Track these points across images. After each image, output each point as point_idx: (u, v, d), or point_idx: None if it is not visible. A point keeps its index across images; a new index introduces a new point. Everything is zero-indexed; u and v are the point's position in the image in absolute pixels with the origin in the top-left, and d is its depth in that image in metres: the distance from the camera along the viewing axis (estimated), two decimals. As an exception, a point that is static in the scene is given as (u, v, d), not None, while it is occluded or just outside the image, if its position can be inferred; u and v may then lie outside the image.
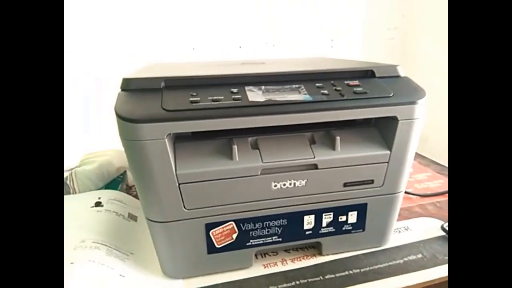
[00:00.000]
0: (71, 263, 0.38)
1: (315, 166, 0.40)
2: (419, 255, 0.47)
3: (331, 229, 0.44)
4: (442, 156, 0.81)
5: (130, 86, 0.37)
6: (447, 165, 0.76)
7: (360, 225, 0.45)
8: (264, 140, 0.41)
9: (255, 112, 0.36)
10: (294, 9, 1.06)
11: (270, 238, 0.43)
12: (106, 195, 0.53)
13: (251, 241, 0.42)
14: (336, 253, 0.47)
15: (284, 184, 0.40)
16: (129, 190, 0.63)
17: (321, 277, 0.43)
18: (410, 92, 0.41)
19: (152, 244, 0.41)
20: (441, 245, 0.48)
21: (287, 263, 0.45)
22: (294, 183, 0.40)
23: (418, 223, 0.54)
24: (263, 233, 0.42)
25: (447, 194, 0.63)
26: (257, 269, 0.44)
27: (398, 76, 0.44)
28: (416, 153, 0.47)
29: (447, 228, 0.51)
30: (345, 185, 0.42)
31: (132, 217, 0.51)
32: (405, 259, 0.46)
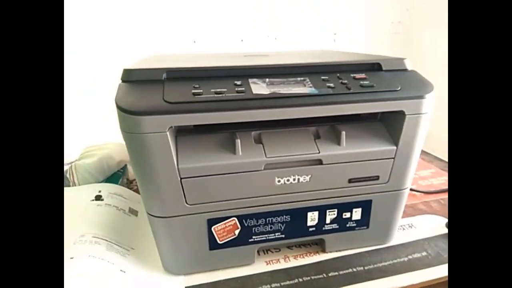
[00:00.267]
0: (71, 258, 0.37)
1: (319, 162, 0.39)
2: (424, 253, 0.46)
3: (335, 226, 0.44)
4: (446, 152, 0.80)
5: (131, 77, 0.36)
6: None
7: (364, 222, 0.44)
8: (267, 134, 0.40)
9: (259, 105, 0.35)
10: (297, 2, 1.04)
11: (273, 234, 0.42)
12: (107, 188, 0.52)
13: (253, 237, 0.42)
14: (340, 250, 0.46)
15: (288, 180, 0.39)
16: (129, 184, 0.62)
17: (324, 275, 0.42)
18: (417, 86, 0.40)
19: (153, 239, 0.41)
20: (445, 243, 0.48)
21: (289, 260, 0.44)
22: (298, 179, 0.39)
23: (422, 220, 0.53)
24: (266, 229, 0.42)
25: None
26: (260, 266, 0.43)
27: (405, 70, 0.43)
28: (420, 149, 0.46)
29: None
30: (350, 181, 0.41)
31: (133, 212, 0.50)
32: (410, 257, 0.45)
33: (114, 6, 0.88)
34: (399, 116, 0.39)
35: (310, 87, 0.38)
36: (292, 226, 0.42)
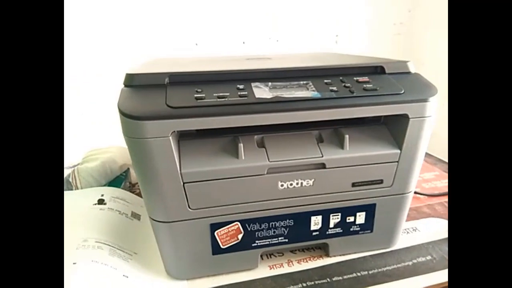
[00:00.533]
0: (74, 263, 0.37)
1: (323, 165, 0.39)
2: (428, 257, 0.45)
3: (338, 230, 0.43)
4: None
5: (133, 82, 0.36)
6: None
7: (368, 226, 0.44)
8: (270, 138, 0.40)
9: (262, 110, 0.35)
10: (299, 4, 1.04)
11: (276, 239, 0.42)
12: (109, 192, 0.52)
13: (256, 242, 0.41)
14: (344, 255, 0.45)
15: (291, 184, 0.39)
16: (132, 187, 0.62)
17: (328, 279, 0.42)
18: (421, 89, 0.39)
19: (155, 244, 0.41)
20: (451, 246, 0.47)
21: (293, 264, 0.44)
22: (301, 183, 0.39)
23: (426, 223, 0.53)
24: (269, 233, 0.41)
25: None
26: (263, 271, 0.43)
27: (408, 73, 0.42)
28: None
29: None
30: (353, 185, 0.41)
31: (135, 216, 0.50)
32: (414, 261, 0.45)
33: (118, 9, 0.88)
34: (402, 119, 0.39)
35: (313, 90, 0.38)
36: (295, 231, 0.42)
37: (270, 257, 0.45)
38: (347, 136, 0.39)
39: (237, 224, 0.40)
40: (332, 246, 0.44)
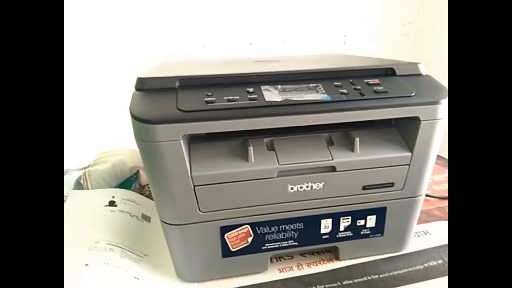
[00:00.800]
0: (86, 264, 0.37)
1: (333, 168, 0.39)
2: (440, 261, 0.45)
3: (348, 233, 0.43)
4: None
5: (145, 86, 0.37)
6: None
7: (379, 229, 0.44)
8: (280, 141, 0.40)
9: (272, 113, 0.35)
10: (306, 5, 1.04)
11: (286, 242, 0.42)
12: (120, 194, 0.52)
13: (266, 245, 0.41)
14: (354, 258, 0.45)
15: (301, 187, 0.39)
16: (142, 189, 0.63)
17: (338, 283, 0.41)
18: (432, 91, 0.39)
19: (165, 246, 0.41)
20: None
21: (303, 268, 0.44)
22: (311, 186, 0.39)
23: (437, 227, 0.52)
24: (279, 237, 0.41)
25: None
26: (273, 274, 0.43)
27: (419, 75, 0.42)
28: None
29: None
30: (364, 188, 0.40)
31: (146, 218, 0.50)
32: (425, 265, 0.44)
33: (127, 12, 0.89)
34: (413, 122, 0.39)
35: (323, 93, 0.38)
36: (305, 234, 0.42)
37: (280, 260, 0.45)
38: (357, 139, 0.39)
39: (247, 227, 0.40)
40: (342, 250, 0.44)
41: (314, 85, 0.39)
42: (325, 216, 0.41)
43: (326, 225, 0.42)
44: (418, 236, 0.50)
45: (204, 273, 0.42)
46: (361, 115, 0.37)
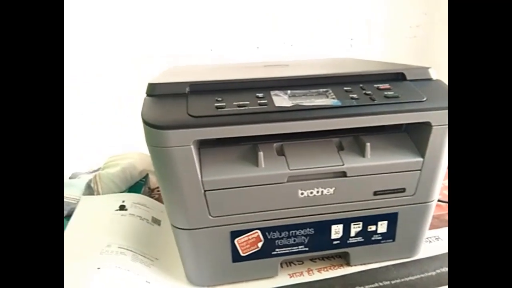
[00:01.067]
0: (98, 268, 0.38)
1: (343, 174, 0.38)
2: (453, 267, 0.44)
3: (359, 239, 0.43)
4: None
5: (155, 91, 0.37)
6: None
7: (390, 235, 0.43)
8: (290, 146, 0.40)
9: (282, 118, 0.35)
10: (313, 8, 1.04)
11: (296, 247, 0.42)
12: (130, 198, 0.53)
13: (276, 250, 0.41)
14: (365, 264, 0.45)
15: (311, 192, 0.39)
16: (151, 192, 0.63)
17: (349, 289, 0.41)
18: (444, 96, 0.39)
19: (176, 250, 0.41)
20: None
21: (313, 273, 0.44)
22: (322, 191, 0.39)
23: (449, 232, 0.51)
24: (289, 242, 0.41)
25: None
26: (283, 279, 0.43)
27: (430, 79, 0.42)
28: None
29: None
30: (375, 193, 0.40)
31: (156, 221, 0.51)
32: (438, 271, 0.44)
33: (135, 17, 0.90)
34: (425, 127, 0.38)
35: (333, 98, 0.37)
36: (315, 239, 0.41)
37: (290, 265, 0.45)
38: (368, 144, 0.38)
39: (257, 232, 0.40)
40: (353, 255, 0.44)
41: (324, 90, 0.39)
42: (336, 222, 0.41)
43: (336, 231, 0.42)
44: (430, 241, 0.49)
45: (214, 277, 0.42)
46: (372, 120, 0.36)
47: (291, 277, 0.43)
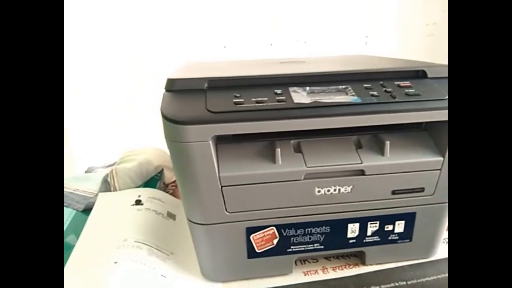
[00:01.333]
0: (115, 262, 0.38)
1: (361, 172, 0.38)
2: (471, 269, 0.43)
3: (376, 238, 0.42)
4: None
5: (174, 87, 0.37)
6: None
7: (407, 235, 0.43)
8: (307, 143, 0.39)
9: (301, 115, 0.35)
10: (326, 4, 1.03)
11: (312, 245, 0.41)
12: (146, 193, 0.54)
13: (292, 247, 0.41)
14: (380, 263, 0.44)
15: (328, 190, 0.38)
16: (165, 188, 0.64)
17: (365, 288, 0.41)
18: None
19: (191, 244, 0.41)
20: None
21: (328, 272, 0.44)
22: (339, 189, 0.38)
23: (467, 234, 0.50)
24: (304, 239, 0.41)
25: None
26: (297, 276, 0.43)
27: (452, 77, 0.40)
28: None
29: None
30: (393, 192, 0.39)
31: (171, 216, 0.51)
32: (455, 272, 0.43)
33: (140, 16, 0.90)
34: (445, 125, 0.37)
35: (353, 95, 0.37)
36: (331, 238, 0.41)
37: (305, 263, 0.45)
38: (387, 143, 0.38)
39: (272, 228, 0.40)
40: (369, 255, 0.43)
41: (343, 87, 0.38)
42: (353, 220, 0.41)
43: (353, 230, 0.41)
44: (447, 242, 0.48)
45: (229, 273, 0.42)
46: (392, 118, 0.36)
47: (305, 275, 0.43)
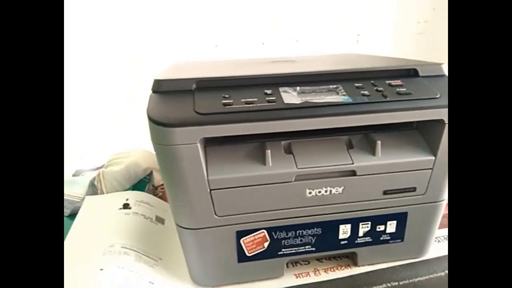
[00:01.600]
0: (101, 269, 0.37)
1: (353, 173, 0.37)
2: (463, 268, 0.43)
3: (368, 239, 0.42)
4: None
5: (161, 88, 0.36)
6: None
7: (399, 235, 0.42)
8: (298, 144, 0.39)
9: (292, 115, 0.34)
10: (318, 3, 1.02)
11: (303, 247, 0.41)
12: (134, 196, 0.52)
13: (283, 250, 0.40)
14: (372, 264, 0.44)
15: (320, 191, 0.38)
16: (155, 190, 0.63)
17: (357, 290, 0.40)
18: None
19: (180, 249, 0.40)
20: (487, 257, 0.45)
21: (320, 274, 0.43)
22: (330, 191, 0.38)
23: (458, 232, 0.51)
24: (295, 242, 0.40)
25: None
26: (289, 279, 0.42)
27: (443, 75, 0.40)
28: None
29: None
30: (385, 193, 0.39)
31: (160, 220, 0.50)
32: (447, 271, 0.43)
33: (136, 16, 0.88)
34: (437, 124, 0.37)
35: (344, 95, 0.36)
36: (323, 239, 0.41)
37: (296, 266, 0.44)
38: (379, 142, 0.37)
39: (263, 232, 0.39)
40: (360, 255, 0.43)
41: (334, 86, 0.38)
42: (344, 222, 0.40)
43: (344, 231, 0.41)
44: (439, 241, 0.48)
45: (219, 278, 0.41)
46: (384, 117, 0.35)
47: (297, 277, 0.43)
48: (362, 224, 0.41)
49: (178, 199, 0.37)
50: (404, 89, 0.37)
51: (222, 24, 0.98)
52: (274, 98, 0.35)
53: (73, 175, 0.69)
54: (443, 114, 0.36)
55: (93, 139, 0.90)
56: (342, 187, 0.38)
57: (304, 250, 0.41)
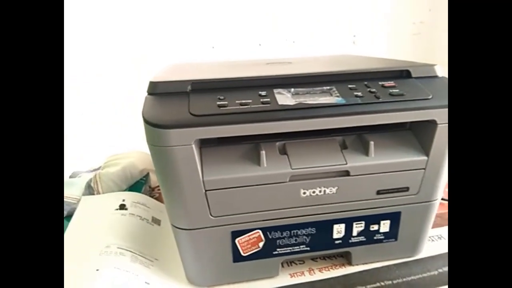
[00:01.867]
0: (97, 270, 0.37)
1: (346, 173, 0.38)
2: (456, 267, 0.44)
3: (361, 238, 0.42)
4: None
5: (157, 90, 0.36)
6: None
7: (392, 234, 0.43)
8: (292, 144, 0.39)
9: (286, 117, 0.34)
10: (315, 4, 1.03)
11: (298, 247, 0.41)
12: (130, 197, 0.52)
13: (278, 250, 0.41)
14: (366, 263, 0.44)
15: (314, 192, 0.38)
16: (151, 191, 0.63)
17: (351, 289, 0.41)
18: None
19: (176, 250, 0.41)
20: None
21: (314, 273, 0.43)
22: (324, 191, 0.38)
23: (452, 231, 0.51)
24: (290, 242, 0.41)
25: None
26: (284, 279, 0.42)
27: (435, 76, 0.41)
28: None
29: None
30: (378, 192, 0.40)
31: (156, 221, 0.50)
32: (440, 270, 0.43)
33: (135, 16, 0.88)
34: (430, 125, 0.38)
35: (337, 96, 0.37)
36: (317, 239, 0.41)
37: (291, 265, 0.45)
38: (372, 143, 0.38)
39: (258, 232, 0.39)
40: (355, 255, 0.43)
41: (328, 88, 0.38)
42: (338, 221, 0.41)
43: (338, 230, 0.41)
44: (432, 240, 0.49)
45: (215, 278, 0.41)
46: (376, 118, 0.36)
47: (292, 277, 0.43)
48: (356, 224, 0.41)
49: (174, 200, 0.37)
50: (397, 90, 0.37)
51: (219, 25, 0.98)
52: (268, 99, 0.36)
53: (70, 177, 0.69)
54: (435, 114, 0.37)
55: (93, 139, 0.89)
56: (336, 187, 0.38)
57: (298, 249, 0.41)
